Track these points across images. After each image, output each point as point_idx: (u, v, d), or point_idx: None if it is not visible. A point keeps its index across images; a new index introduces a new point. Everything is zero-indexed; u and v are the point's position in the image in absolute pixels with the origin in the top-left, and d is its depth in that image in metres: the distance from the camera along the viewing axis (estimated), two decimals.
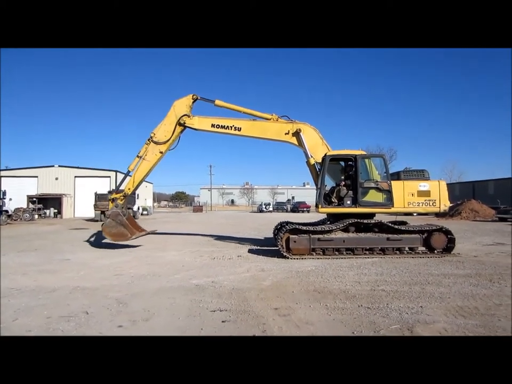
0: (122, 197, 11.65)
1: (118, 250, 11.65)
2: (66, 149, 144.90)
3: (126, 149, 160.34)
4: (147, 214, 41.04)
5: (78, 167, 38.28)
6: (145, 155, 11.48)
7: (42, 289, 6.30)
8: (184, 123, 11.49)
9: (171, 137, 11.47)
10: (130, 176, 11.84)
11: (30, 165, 38.29)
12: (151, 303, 5.45)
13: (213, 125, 11.56)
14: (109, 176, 37.33)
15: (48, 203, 34.49)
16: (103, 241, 13.29)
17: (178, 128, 11.54)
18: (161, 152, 11.55)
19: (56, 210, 34.83)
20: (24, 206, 31.45)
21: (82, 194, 35.82)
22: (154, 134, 11.49)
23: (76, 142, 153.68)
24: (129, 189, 11.66)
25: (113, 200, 11.63)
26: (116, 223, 11.24)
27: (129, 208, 28.27)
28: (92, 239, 14.83)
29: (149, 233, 12.57)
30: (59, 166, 37.41)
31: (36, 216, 30.85)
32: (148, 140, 11.48)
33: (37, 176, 36.54)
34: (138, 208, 34.68)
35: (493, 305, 5.27)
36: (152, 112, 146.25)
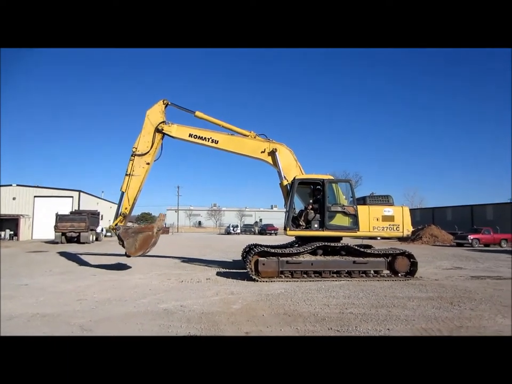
0: (122, 219, 11.34)
1: (80, 273, 11.16)
2: (26, 167, 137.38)
3: (91, 168, 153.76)
4: (111, 236, 39.41)
5: (38, 187, 36.51)
6: (133, 171, 11.30)
7: None
8: (162, 129, 11.45)
9: (152, 146, 11.39)
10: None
11: None
12: (118, 329, 5.25)
13: (190, 135, 11.54)
14: (72, 196, 35.81)
15: (3, 224, 32.53)
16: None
17: (158, 136, 11.50)
18: (148, 164, 11.45)
19: (12, 232, 32.86)
20: None
21: (42, 215, 34.09)
22: (136, 148, 11.37)
23: (37, 160, 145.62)
24: (126, 208, 11.36)
25: (115, 226, 11.22)
26: (133, 238, 10.94)
27: (92, 230, 27.32)
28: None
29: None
30: (17, 185, 35.56)
31: None
32: (132, 156, 11.34)
33: None
34: (102, 230, 33.11)
35: (454, 327, 5.48)
36: (120, 129, 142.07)
